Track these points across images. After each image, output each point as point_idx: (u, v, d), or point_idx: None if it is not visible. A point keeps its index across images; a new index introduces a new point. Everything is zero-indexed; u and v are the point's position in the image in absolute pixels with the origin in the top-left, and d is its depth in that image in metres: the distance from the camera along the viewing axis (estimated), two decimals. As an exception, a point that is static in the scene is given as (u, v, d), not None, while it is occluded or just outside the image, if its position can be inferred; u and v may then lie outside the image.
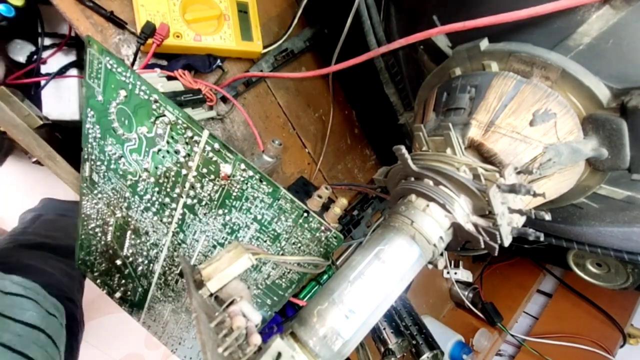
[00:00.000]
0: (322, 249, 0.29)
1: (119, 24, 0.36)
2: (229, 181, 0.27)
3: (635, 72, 0.20)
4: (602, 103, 0.21)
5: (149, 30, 0.34)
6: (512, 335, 0.68)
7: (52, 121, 0.38)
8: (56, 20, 0.43)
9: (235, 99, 0.42)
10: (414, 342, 0.50)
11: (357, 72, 0.49)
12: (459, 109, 0.25)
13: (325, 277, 0.52)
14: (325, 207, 0.33)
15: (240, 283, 0.21)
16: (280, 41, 0.45)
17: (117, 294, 0.43)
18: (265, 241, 0.30)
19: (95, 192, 0.34)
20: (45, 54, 0.42)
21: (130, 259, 0.37)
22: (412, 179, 0.24)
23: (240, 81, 0.44)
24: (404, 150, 0.23)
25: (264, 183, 0.26)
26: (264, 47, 0.44)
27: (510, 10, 0.21)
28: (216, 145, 0.25)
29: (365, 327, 0.20)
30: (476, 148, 0.24)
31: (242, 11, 0.42)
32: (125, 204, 0.33)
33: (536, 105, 0.22)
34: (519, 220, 0.22)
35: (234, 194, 0.27)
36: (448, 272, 0.72)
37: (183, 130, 0.25)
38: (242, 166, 0.26)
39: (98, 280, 0.43)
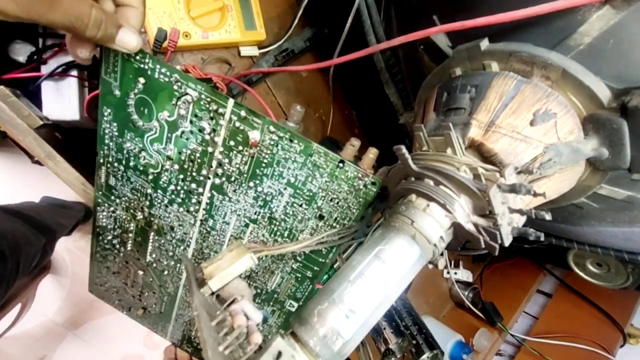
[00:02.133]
0: (361, 199, 0.28)
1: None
2: (258, 148, 0.26)
3: (636, 72, 0.20)
4: (602, 103, 0.21)
5: (162, 38, 0.36)
6: (512, 335, 0.68)
7: (52, 121, 0.38)
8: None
9: (242, 93, 0.43)
10: (414, 342, 0.50)
11: (357, 73, 0.49)
12: (459, 109, 0.25)
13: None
14: (358, 158, 0.34)
15: (241, 282, 0.21)
16: (281, 41, 0.45)
17: (140, 312, 0.42)
18: (300, 205, 0.29)
19: (112, 197, 0.33)
20: (45, 54, 0.42)
21: (154, 264, 0.37)
22: (413, 178, 0.24)
23: (242, 79, 0.44)
24: (404, 150, 0.23)
25: (295, 141, 0.26)
26: (265, 47, 0.44)
27: (509, 9, 0.21)
28: (242, 113, 0.25)
29: (365, 327, 0.20)
30: (476, 148, 0.24)
31: (244, -2, 0.42)
32: (147, 203, 0.32)
33: (536, 105, 0.22)
34: (520, 220, 0.22)
35: (265, 160, 0.27)
36: (448, 272, 0.72)
37: (207, 105, 0.25)
38: (271, 128, 0.25)
39: (117, 302, 0.42)
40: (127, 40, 0.22)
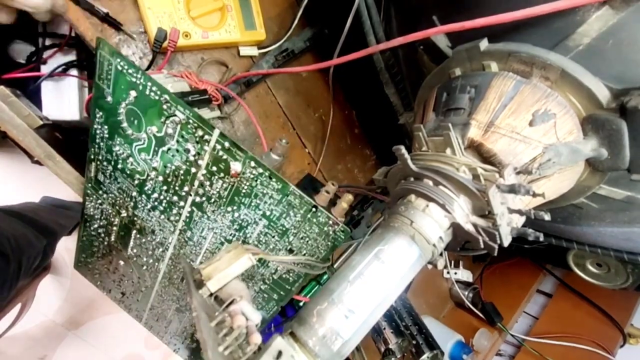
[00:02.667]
0: (329, 243, 0.30)
1: (115, 25, 0.36)
2: (238, 178, 0.27)
3: (635, 72, 0.20)
4: (601, 103, 0.21)
5: (162, 38, 0.36)
6: (512, 335, 0.68)
7: (52, 121, 0.38)
8: (56, 20, 0.43)
9: (242, 94, 0.43)
10: (414, 342, 0.51)
11: (357, 73, 0.49)
12: (459, 109, 0.25)
13: (325, 277, 0.52)
14: (332, 203, 0.34)
15: (240, 283, 0.21)
16: (281, 41, 0.45)
17: (118, 295, 0.43)
18: (273, 236, 0.30)
19: (100, 192, 0.34)
20: (45, 54, 0.42)
21: (135, 258, 0.37)
22: (412, 179, 0.24)
23: (241, 80, 0.44)
24: (403, 150, 0.23)
25: (274, 180, 0.27)
26: (265, 47, 0.44)
27: (509, 10, 0.21)
28: (226, 144, 0.26)
29: (364, 327, 0.20)
30: (476, 148, 0.24)
31: (243, -2, 0.42)
32: (132, 204, 0.33)
33: (536, 106, 0.22)
34: (519, 221, 0.22)
35: (243, 191, 0.28)
36: (448, 272, 0.72)
37: (194, 130, 0.26)
38: (252, 164, 0.26)
39: (99, 282, 0.43)
40: None
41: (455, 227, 0.22)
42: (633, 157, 0.21)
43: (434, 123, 0.27)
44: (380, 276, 0.21)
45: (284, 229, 0.29)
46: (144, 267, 0.38)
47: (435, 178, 0.22)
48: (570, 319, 0.67)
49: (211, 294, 0.20)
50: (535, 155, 0.22)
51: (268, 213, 0.29)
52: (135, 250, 0.37)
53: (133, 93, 0.26)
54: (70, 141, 0.39)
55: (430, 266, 0.23)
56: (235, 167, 0.26)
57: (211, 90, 0.39)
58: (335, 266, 0.54)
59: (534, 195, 0.19)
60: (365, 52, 0.32)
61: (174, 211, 0.31)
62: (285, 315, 0.58)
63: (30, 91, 0.41)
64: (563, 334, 0.64)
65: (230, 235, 0.31)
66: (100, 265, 0.41)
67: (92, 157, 0.32)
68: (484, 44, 0.24)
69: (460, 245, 0.24)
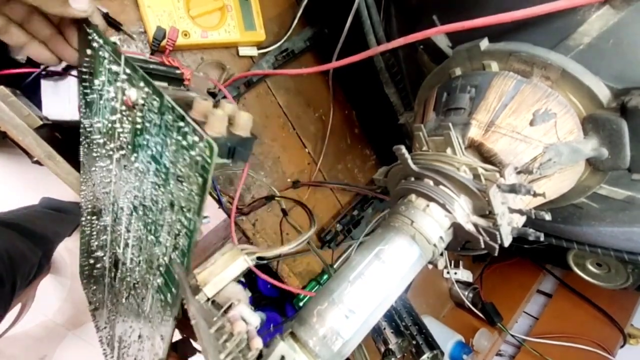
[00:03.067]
0: (198, 176, 0.19)
1: (114, 25, 0.36)
2: (135, 111, 0.22)
3: (636, 72, 0.20)
4: (602, 103, 0.21)
5: (160, 36, 0.35)
6: (512, 336, 0.68)
7: (52, 121, 0.38)
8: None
9: (237, 100, 0.43)
10: (414, 342, 0.50)
11: (357, 72, 0.49)
12: (459, 109, 0.25)
13: (325, 277, 0.52)
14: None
15: (236, 286, 0.21)
16: (281, 41, 0.45)
17: (92, 306, 0.39)
18: (159, 187, 0.23)
19: (85, 177, 0.32)
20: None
21: (98, 252, 0.34)
22: (412, 178, 0.24)
23: (241, 81, 0.44)
24: (404, 150, 0.23)
25: (154, 95, 0.21)
26: (265, 47, 0.44)
27: (509, 9, 0.21)
28: (128, 70, 0.22)
29: (365, 327, 0.20)
30: (476, 148, 0.24)
31: (244, -2, 0.42)
32: (92, 182, 0.30)
33: (536, 105, 0.22)
34: (519, 220, 0.22)
35: (138, 126, 0.23)
36: (448, 272, 0.72)
37: (110, 66, 0.23)
38: (141, 84, 0.21)
39: (89, 294, 0.40)
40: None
41: (456, 227, 0.22)
42: (633, 156, 0.21)
43: (435, 123, 0.27)
44: (381, 276, 0.21)
45: (165, 171, 0.22)
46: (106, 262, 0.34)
47: (435, 178, 0.22)
48: (571, 319, 0.67)
49: (208, 299, 0.20)
50: (535, 155, 0.22)
51: (154, 151, 0.22)
52: (96, 244, 0.34)
53: (88, 51, 0.25)
54: (70, 141, 0.39)
55: (430, 266, 0.23)
56: (131, 94, 0.21)
57: (187, 74, 0.34)
58: (335, 266, 0.54)
59: (535, 195, 0.19)
60: (365, 54, 0.32)
61: (108, 179, 0.27)
62: (285, 315, 0.58)
63: (30, 91, 0.41)
64: (563, 334, 0.64)
65: (135, 198, 0.25)
66: (87, 276, 0.38)
67: (83, 141, 0.30)
68: (484, 43, 0.24)
69: (460, 245, 0.24)
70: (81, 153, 0.30)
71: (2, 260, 0.51)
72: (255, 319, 0.19)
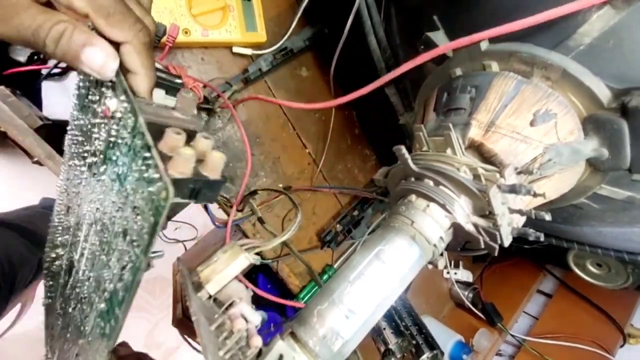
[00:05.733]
0: (151, 212, 0.18)
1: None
2: (111, 123, 0.21)
3: (636, 72, 0.20)
4: (602, 103, 0.21)
5: (161, 33, 0.35)
6: (512, 336, 0.68)
7: (52, 121, 0.38)
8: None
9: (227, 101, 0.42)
10: (414, 342, 0.50)
11: (357, 73, 0.49)
12: (460, 109, 0.25)
13: (325, 277, 0.52)
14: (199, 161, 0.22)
15: (239, 284, 0.21)
16: (281, 42, 0.45)
17: (46, 300, 0.35)
18: (117, 210, 0.21)
19: (64, 167, 0.29)
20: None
21: (59, 250, 0.31)
22: (413, 179, 0.24)
23: (240, 77, 0.43)
24: (404, 150, 0.23)
25: (130, 114, 0.19)
26: (264, 49, 0.44)
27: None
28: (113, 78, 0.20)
29: (365, 328, 0.20)
30: (476, 148, 0.24)
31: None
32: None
33: (537, 106, 0.22)
34: (519, 221, 0.22)
35: (112, 139, 0.21)
36: (448, 272, 0.72)
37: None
38: (122, 97, 0.20)
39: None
40: (92, 59, 0.18)
41: (456, 227, 0.22)
42: (634, 157, 0.21)
43: (435, 123, 0.27)
44: (381, 276, 0.21)
45: (126, 194, 0.20)
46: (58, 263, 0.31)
47: (435, 178, 0.22)
48: (571, 319, 0.67)
49: (210, 297, 0.20)
50: (536, 155, 0.22)
51: (120, 171, 0.21)
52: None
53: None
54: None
55: (430, 266, 0.23)
56: (110, 103, 0.20)
57: (191, 84, 0.33)
58: (335, 266, 0.54)
59: (535, 195, 0.19)
60: (374, 85, 0.31)
61: (77, 180, 0.25)
62: (286, 315, 0.58)
63: (30, 91, 0.41)
64: (563, 334, 0.64)
65: (97, 210, 0.23)
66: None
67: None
68: (484, 44, 0.24)
69: (460, 245, 0.24)
70: (66, 141, 0.28)
71: (1, 261, 0.51)
72: (256, 317, 0.19)
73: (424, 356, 0.49)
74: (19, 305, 0.72)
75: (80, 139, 0.25)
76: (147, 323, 1.08)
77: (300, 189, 0.51)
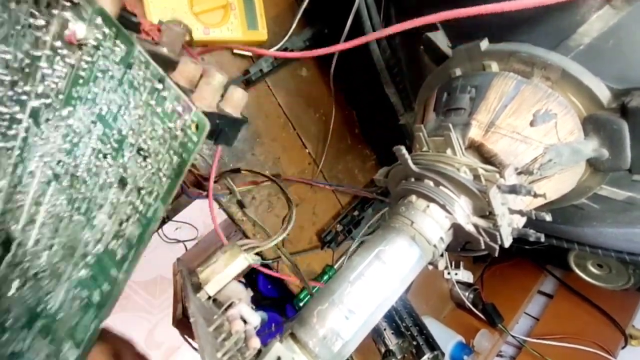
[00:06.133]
0: (175, 155, 0.16)
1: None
2: (81, 52, 0.18)
3: (636, 72, 0.20)
4: (602, 103, 0.21)
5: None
6: (513, 336, 0.68)
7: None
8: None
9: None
10: (414, 342, 0.50)
11: (357, 73, 0.49)
12: (459, 109, 0.25)
13: (325, 277, 0.52)
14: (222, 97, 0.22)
15: (238, 285, 0.21)
16: (281, 42, 0.45)
17: None
18: (106, 156, 0.19)
19: None
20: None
21: None
22: (413, 179, 0.24)
23: (240, 79, 0.43)
24: (404, 150, 0.23)
25: (119, 41, 0.17)
26: (265, 48, 0.44)
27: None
28: None
29: (365, 328, 0.20)
30: (476, 148, 0.23)
31: (248, -3, 0.42)
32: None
33: (537, 106, 0.22)
34: (520, 221, 0.22)
35: (82, 73, 0.18)
36: (448, 273, 0.72)
37: None
38: (98, 20, 0.17)
39: None
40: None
41: (456, 228, 0.22)
42: (634, 157, 0.21)
43: (435, 123, 0.27)
44: (381, 277, 0.21)
45: (120, 137, 0.18)
46: None
47: (435, 178, 0.22)
48: (571, 320, 0.67)
49: (209, 298, 0.20)
50: (536, 156, 0.22)
51: (105, 110, 0.18)
52: None
53: None
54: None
55: (430, 267, 0.23)
56: (77, 28, 0.17)
57: (148, 27, 0.23)
58: (335, 267, 0.54)
59: (535, 195, 0.19)
60: (365, 39, 0.30)
61: (12, 130, 0.20)
62: (286, 315, 0.58)
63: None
64: (564, 335, 0.64)
65: (59, 163, 0.20)
66: None
67: None
68: (484, 43, 0.24)
69: (461, 246, 0.24)
70: None
71: None
72: (255, 318, 0.19)
73: (425, 357, 0.49)
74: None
75: (7, 77, 0.19)
76: (147, 323, 1.08)
77: (290, 180, 0.49)
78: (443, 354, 0.51)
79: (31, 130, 0.20)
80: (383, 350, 0.50)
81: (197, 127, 0.15)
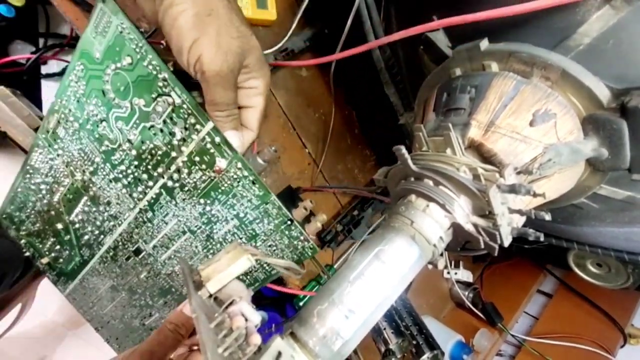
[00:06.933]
0: (295, 256, 0.30)
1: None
2: (220, 175, 0.27)
3: (635, 72, 0.20)
4: (602, 103, 0.21)
5: None
6: (513, 336, 0.68)
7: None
8: (56, 20, 0.43)
9: None
10: (414, 342, 0.50)
11: (357, 73, 0.49)
12: (459, 109, 0.25)
13: (325, 277, 0.52)
14: (307, 219, 0.36)
15: (239, 284, 0.21)
16: (282, 42, 0.45)
17: (45, 259, 0.41)
18: (241, 237, 0.31)
19: (56, 147, 0.32)
20: (46, 54, 0.42)
21: (77, 225, 0.36)
22: (412, 179, 0.24)
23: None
24: (404, 150, 0.23)
25: (257, 186, 0.27)
26: (264, 49, 0.44)
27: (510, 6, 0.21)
28: (217, 139, 0.25)
29: (365, 327, 0.20)
30: (476, 148, 0.24)
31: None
32: (92, 169, 0.31)
33: (536, 106, 0.22)
34: (519, 221, 0.22)
35: (222, 188, 0.28)
36: (448, 272, 0.72)
37: (186, 116, 0.25)
38: (239, 165, 0.26)
39: (23, 240, 0.41)
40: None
41: (456, 227, 0.22)
42: (633, 157, 0.21)
43: (434, 123, 0.27)
44: (381, 276, 0.21)
45: (254, 233, 0.30)
46: (86, 237, 0.36)
47: (435, 178, 0.22)
48: (571, 319, 0.67)
49: (210, 295, 0.20)
50: (535, 155, 0.22)
51: (242, 215, 0.29)
52: (80, 217, 0.35)
53: (128, 59, 0.24)
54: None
55: (430, 266, 0.23)
56: (221, 164, 0.26)
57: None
58: (335, 266, 0.54)
59: (535, 195, 0.19)
60: (367, 46, 0.31)
61: (139, 189, 0.30)
62: (286, 315, 0.58)
63: (30, 91, 0.41)
64: (563, 334, 0.64)
65: (196, 227, 0.31)
66: (32, 223, 0.39)
67: (57, 108, 0.29)
68: (484, 43, 0.24)
69: (460, 245, 0.24)
70: (56, 121, 0.30)
71: None
72: (255, 316, 0.19)
73: (425, 356, 0.49)
74: (19, 306, 0.72)
75: (132, 152, 0.29)
76: (147, 323, 1.08)
77: (305, 190, 0.50)
78: (443, 353, 0.51)
79: (163, 197, 0.30)
80: (383, 349, 0.50)
81: (311, 248, 0.31)
